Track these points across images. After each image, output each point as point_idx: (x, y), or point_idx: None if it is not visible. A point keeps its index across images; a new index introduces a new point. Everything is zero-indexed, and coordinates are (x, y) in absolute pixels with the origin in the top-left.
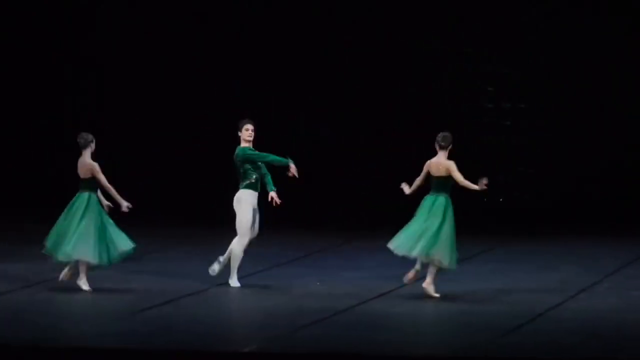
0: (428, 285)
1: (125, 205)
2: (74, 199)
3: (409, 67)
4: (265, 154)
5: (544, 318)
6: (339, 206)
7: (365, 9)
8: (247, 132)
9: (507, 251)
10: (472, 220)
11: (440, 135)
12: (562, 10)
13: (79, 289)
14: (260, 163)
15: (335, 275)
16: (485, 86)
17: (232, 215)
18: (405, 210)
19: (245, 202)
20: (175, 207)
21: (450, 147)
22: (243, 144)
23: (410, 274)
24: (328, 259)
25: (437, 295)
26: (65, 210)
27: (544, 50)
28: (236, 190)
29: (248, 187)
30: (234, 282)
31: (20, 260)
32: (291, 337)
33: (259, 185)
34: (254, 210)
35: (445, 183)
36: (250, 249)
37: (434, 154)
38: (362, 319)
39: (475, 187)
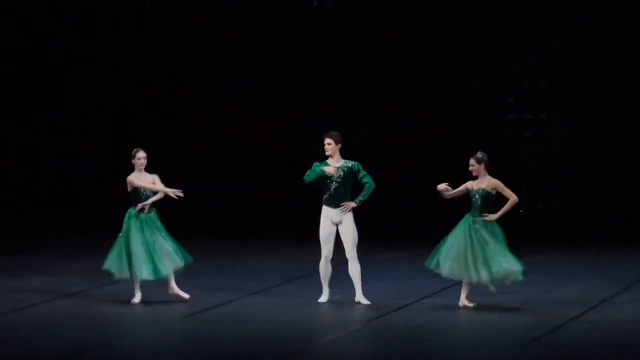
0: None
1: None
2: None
3: (409, 67)
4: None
5: (565, 329)
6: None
7: (367, 9)
8: (325, 147)
9: (529, 262)
10: None
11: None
12: (563, 10)
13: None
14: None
15: None
16: (487, 86)
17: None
18: (430, 221)
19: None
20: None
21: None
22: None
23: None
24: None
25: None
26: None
27: (545, 51)
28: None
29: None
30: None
31: (62, 272)
32: (308, 350)
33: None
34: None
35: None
36: (269, 263)
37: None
38: (381, 332)
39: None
